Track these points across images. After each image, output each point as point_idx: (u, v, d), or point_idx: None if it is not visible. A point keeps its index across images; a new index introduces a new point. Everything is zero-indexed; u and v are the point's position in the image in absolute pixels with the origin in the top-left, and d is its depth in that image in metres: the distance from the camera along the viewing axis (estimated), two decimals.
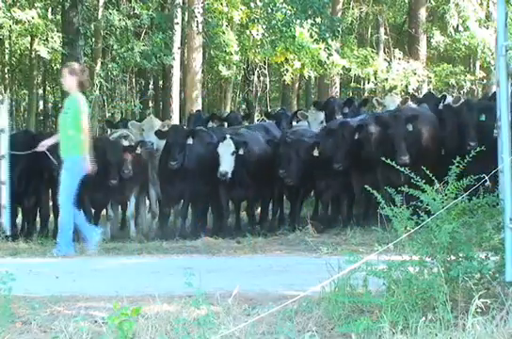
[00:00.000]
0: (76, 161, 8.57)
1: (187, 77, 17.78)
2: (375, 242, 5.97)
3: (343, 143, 9.85)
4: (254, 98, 23.32)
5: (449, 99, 11.29)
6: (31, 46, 20.01)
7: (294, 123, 12.20)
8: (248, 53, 19.77)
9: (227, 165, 9.77)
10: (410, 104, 11.34)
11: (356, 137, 9.94)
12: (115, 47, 16.69)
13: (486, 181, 5.33)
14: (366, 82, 22.05)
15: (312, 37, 16.91)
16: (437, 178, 5.23)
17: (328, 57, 18.72)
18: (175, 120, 16.61)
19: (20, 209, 10.81)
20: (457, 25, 20.91)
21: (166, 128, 10.87)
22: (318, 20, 15.71)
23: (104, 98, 18.05)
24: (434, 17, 23.71)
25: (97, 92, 16.46)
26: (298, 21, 15.69)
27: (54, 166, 9.31)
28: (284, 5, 16.04)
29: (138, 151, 10.11)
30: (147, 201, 11.23)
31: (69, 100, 8.93)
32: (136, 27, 17.00)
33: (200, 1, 16.92)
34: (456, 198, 4.91)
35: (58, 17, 18.52)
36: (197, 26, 16.89)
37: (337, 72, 20.47)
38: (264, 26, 17.20)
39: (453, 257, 4.77)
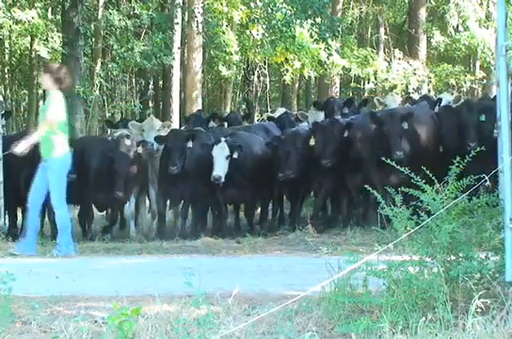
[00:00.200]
0: (57, 160, 8.49)
1: (187, 77, 17.79)
2: (375, 242, 5.95)
3: (332, 140, 9.89)
4: (254, 98, 23.33)
5: (449, 98, 11.30)
6: (31, 46, 20.03)
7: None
8: (248, 53, 19.77)
9: (220, 169, 9.75)
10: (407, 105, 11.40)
11: (345, 135, 9.97)
12: (115, 47, 16.69)
13: (486, 181, 5.33)
14: (366, 82, 22.06)
15: (311, 37, 16.92)
16: (436, 178, 5.24)
17: (327, 57, 18.74)
18: (175, 120, 16.61)
19: (20, 209, 10.80)
20: (457, 25, 20.92)
21: (166, 129, 10.88)
22: (318, 20, 15.72)
23: (104, 98, 18.06)
24: (434, 17, 23.72)
25: (97, 92, 16.48)
26: (298, 21, 15.70)
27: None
28: (284, 5, 16.06)
29: (140, 150, 10.13)
30: (147, 201, 11.23)
31: (46, 99, 8.90)
32: (136, 27, 17.01)
33: (200, 1, 16.93)
34: (455, 198, 4.91)
35: (58, 17, 18.54)
36: (197, 26, 16.90)
37: (337, 72, 20.49)
38: (264, 26, 17.21)
39: (453, 257, 4.78)
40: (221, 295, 5.13)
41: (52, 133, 8.48)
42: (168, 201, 10.57)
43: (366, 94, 21.57)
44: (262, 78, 22.44)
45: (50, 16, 18.81)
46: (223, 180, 9.74)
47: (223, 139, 10.00)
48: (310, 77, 22.03)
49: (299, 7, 15.25)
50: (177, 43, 17.08)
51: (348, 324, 4.49)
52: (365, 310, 4.83)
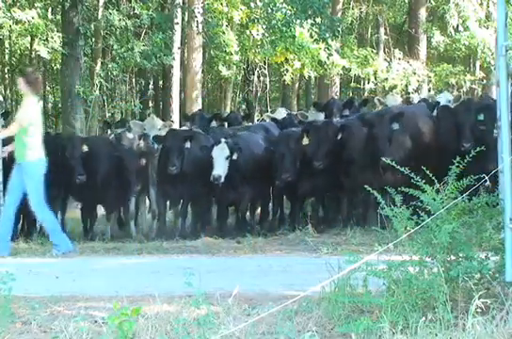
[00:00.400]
0: (31, 164, 8.47)
1: (187, 77, 17.80)
2: (375, 242, 5.96)
3: (325, 142, 9.87)
4: (254, 98, 23.33)
5: (449, 97, 11.29)
6: (31, 46, 20.05)
7: None
8: (248, 53, 19.78)
9: (220, 169, 9.76)
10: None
11: (339, 137, 9.95)
12: (115, 47, 16.67)
13: (486, 181, 5.33)
14: (366, 82, 22.05)
15: (311, 37, 16.92)
16: (435, 178, 5.23)
17: (327, 57, 18.74)
18: (175, 120, 16.61)
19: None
20: (457, 25, 20.93)
21: (167, 128, 10.90)
22: (318, 20, 15.71)
23: (104, 98, 18.04)
24: (434, 17, 23.72)
25: (97, 92, 16.47)
26: (298, 21, 15.70)
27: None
28: (284, 5, 16.06)
29: (141, 144, 10.17)
30: (147, 201, 11.23)
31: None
32: (136, 27, 16.99)
33: (200, 1, 16.93)
34: (455, 198, 4.91)
35: (58, 17, 18.51)
36: (197, 26, 16.91)
37: (337, 72, 20.49)
38: (264, 26, 17.21)
39: (453, 257, 4.77)
40: (221, 295, 5.13)
41: (25, 135, 8.46)
42: (168, 202, 10.57)
43: (366, 94, 21.55)
44: (262, 78, 22.44)
45: (50, 16, 18.80)
46: (223, 180, 9.74)
47: (223, 140, 10.00)
48: (310, 77, 22.03)
49: (299, 7, 15.24)
50: (177, 43, 17.09)
51: (348, 324, 4.48)
52: (365, 310, 4.83)
